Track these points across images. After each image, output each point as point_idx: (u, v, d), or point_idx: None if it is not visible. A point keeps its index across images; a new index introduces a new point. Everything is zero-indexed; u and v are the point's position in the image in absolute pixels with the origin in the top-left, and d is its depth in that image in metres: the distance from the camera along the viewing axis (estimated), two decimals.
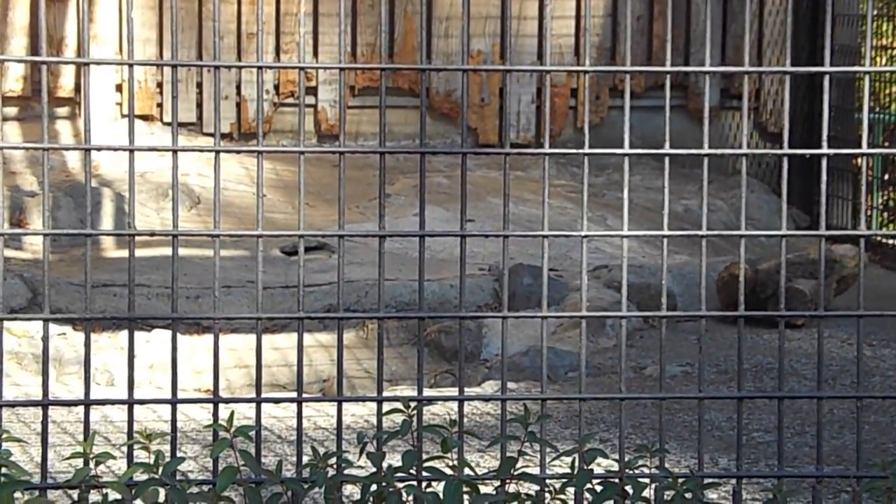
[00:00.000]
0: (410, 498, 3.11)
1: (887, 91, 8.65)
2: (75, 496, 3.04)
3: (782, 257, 3.44)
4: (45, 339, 3.23)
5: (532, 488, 3.25)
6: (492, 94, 8.90)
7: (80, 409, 3.28)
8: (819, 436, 3.46)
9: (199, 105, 8.65)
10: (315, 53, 8.72)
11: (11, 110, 8.29)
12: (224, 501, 3.05)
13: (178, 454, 3.21)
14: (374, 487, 3.12)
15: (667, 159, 3.40)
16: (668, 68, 3.38)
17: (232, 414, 3.10)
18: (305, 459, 3.24)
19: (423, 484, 3.16)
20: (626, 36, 3.41)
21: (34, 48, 8.25)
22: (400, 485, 3.11)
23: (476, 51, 8.83)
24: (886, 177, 8.47)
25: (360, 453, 3.17)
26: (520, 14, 8.76)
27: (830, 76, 3.47)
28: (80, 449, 3.09)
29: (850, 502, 3.29)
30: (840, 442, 4.43)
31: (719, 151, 3.45)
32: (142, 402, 3.32)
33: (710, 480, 3.28)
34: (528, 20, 8.78)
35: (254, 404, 3.33)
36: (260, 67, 3.29)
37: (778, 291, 3.48)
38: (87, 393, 3.25)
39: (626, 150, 3.38)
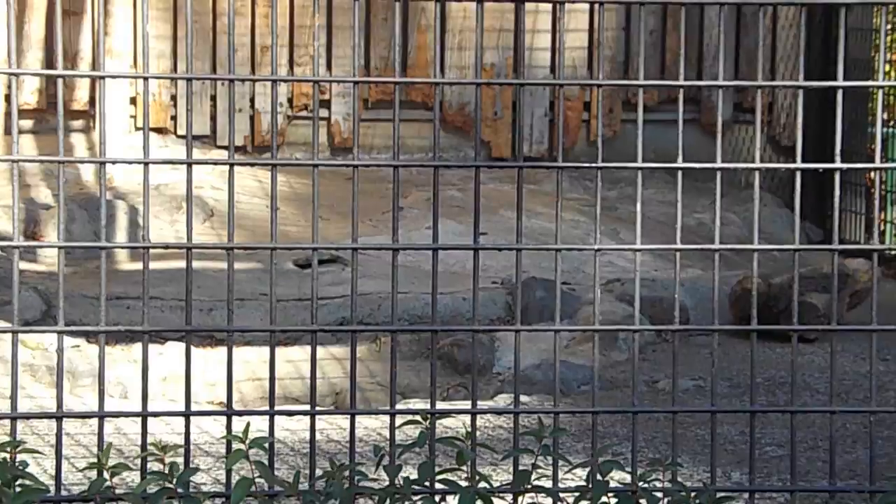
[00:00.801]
0: None
1: None
2: None
3: (795, 271, 3.44)
4: (60, 351, 3.24)
5: (547, 501, 3.25)
6: (505, 108, 8.91)
7: (94, 421, 3.29)
8: (832, 450, 3.46)
9: (213, 118, 8.67)
10: (329, 66, 8.75)
11: (27, 123, 8.33)
12: None
13: (192, 466, 3.21)
14: (389, 500, 3.12)
15: (680, 173, 3.41)
16: (681, 82, 3.39)
17: (248, 426, 3.11)
18: (318, 472, 3.25)
19: (438, 497, 3.17)
20: (640, 50, 3.42)
21: (50, 62, 8.28)
22: (415, 497, 3.11)
23: (489, 64, 8.84)
24: None
25: (377, 465, 3.18)
26: (533, 27, 8.77)
27: (844, 90, 3.48)
28: (94, 461, 3.11)
29: None
30: (853, 457, 4.42)
31: (732, 165, 3.46)
32: (155, 414, 3.33)
33: (723, 494, 3.28)
34: (540, 33, 8.79)
35: (267, 417, 3.33)
36: (274, 81, 3.31)
37: (791, 306, 3.48)
38: (101, 405, 3.26)
39: (640, 163, 3.39)
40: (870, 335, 3.44)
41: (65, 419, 3.26)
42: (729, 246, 3.47)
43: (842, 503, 3.79)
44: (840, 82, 3.46)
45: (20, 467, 2.94)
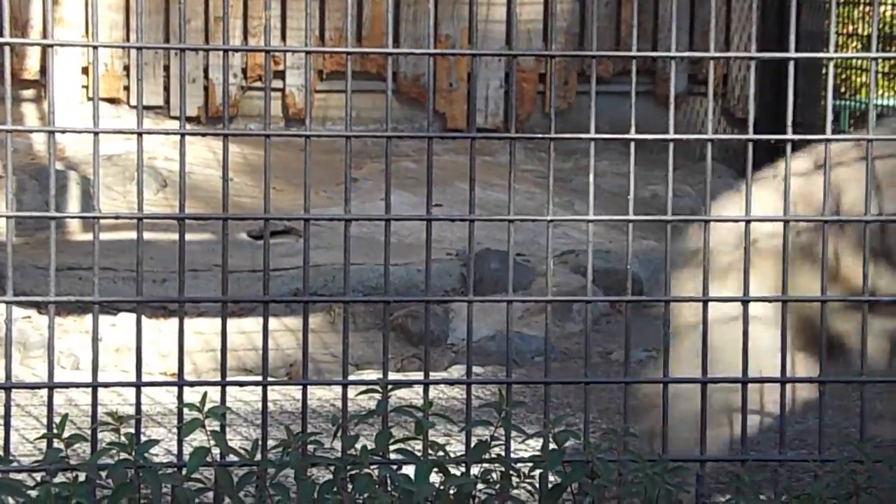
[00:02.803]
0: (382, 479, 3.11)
1: (856, 78, 8.68)
2: (39, 478, 3.03)
3: (746, 242, 3.45)
4: (9, 321, 3.21)
5: (502, 470, 3.26)
6: (460, 79, 8.89)
7: (45, 392, 3.27)
8: (782, 420, 3.48)
9: (167, 88, 8.62)
10: (283, 38, 8.70)
11: None
12: (193, 482, 3.05)
13: (143, 437, 3.20)
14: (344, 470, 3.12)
15: (632, 144, 3.41)
16: (633, 53, 3.39)
17: (205, 395, 3.10)
18: (271, 443, 3.24)
19: (395, 466, 3.17)
20: (593, 20, 3.42)
21: None
22: (371, 466, 3.11)
23: (444, 35, 8.82)
24: None
25: (334, 436, 3.18)
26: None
27: (796, 62, 3.49)
28: (45, 432, 3.09)
29: (813, 485, 3.31)
30: (804, 426, 4.45)
31: (685, 137, 3.46)
32: (106, 384, 3.31)
33: (676, 464, 3.30)
34: (496, 6, 8.78)
35: (219, 388, 3.32)
36: (226, 50, 3.29)
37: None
38: (50, 375, 3.24)
39: (592, 134, 3.39)
40: (821, 305, 3.46)
41: (14, 390, 3.24)
42: (680, 217, 3.48)
43: (792, 472, 3.82)
44: (792, 54, 3.46)
45: None
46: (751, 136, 3.47)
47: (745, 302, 3.42)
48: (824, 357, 3.44)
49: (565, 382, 4.04)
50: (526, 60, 8.81)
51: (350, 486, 3.08)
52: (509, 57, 3.35)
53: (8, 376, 3.22)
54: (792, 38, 3.46)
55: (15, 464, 3.14)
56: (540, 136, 3.41)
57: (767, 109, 8.50)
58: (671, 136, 3.42)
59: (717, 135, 3.47)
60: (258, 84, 8.80)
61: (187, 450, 3.19)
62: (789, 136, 3.44)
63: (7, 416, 3.19)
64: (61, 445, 3.03)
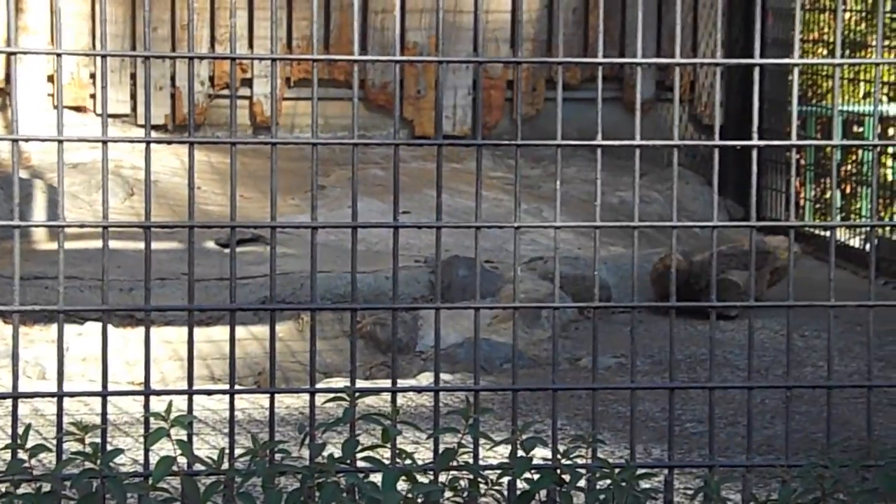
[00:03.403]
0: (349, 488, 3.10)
1: (823, 84, 8.71)
2: (3, 489, 3.01)
3: (713, 248, 3.46)
4: None
5: (470, 478, 3.25)
6: (428, 87, 8.89)
7: (10, 402, 3.25)
8: (749, 426, 3.49)
9: (134, 97, 8.59)
10: (251, 45, 8.68)
11: None
12: (159, 492, 3.04)
13: (109, 447, 3.19)
14: (312, 478, 3.11)
15: (599, 150, 3.41)
16: (600, 59, 3.39)
17: (170, 404, 3.08)
18: (239, 451, 3.23)
19: (362, 475, 3.16)
20: (559, 27, 3.42)
21: None
22: (339, 475, 3.11)
23: (412, 43, 8.82)
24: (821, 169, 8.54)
25: (301, 443, 3.17)
26: (455, 7, 8.77)
27: (762, 68, 3.50)
28: (9, 442, 3.07)
29: (781, 490, 3.32)
30: (772, 431, 4.46)
31: (651, 143, 3.47)
32: (71, 394, 3.30)
33: (644, 471, 3.30)
34: (464, 13, 8.79)
35: (186, 396, 3.31)
36: (191, 58, 3.28)
37: (711, 283, 3.50)
38: (14, 385, 3.22)
39: (559, 141, 3.39)
40: (787, 311, 3.47)
41: None
42: (647, 223, 3.49)
43: (760, 477, 3.83)
44: (757, 60, 3.48)
45: None
46: (717, 142, 3.48)
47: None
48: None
49: (533, 389, 4.03)
50: (494, 68, 8.82)
51: (317, 495, 3.07)
52: (476, 64, 3.35)
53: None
54: (757, 44, 3.47)
55: None
56: (507, 142, 3.41)
57: (734, 115, 8.53)
58: (638, 142, 3.43)
59: (684, 141, 3.47)
60: (226, 92, 8.78)
61: (154, 459, 3.18)
62: (756, 142, 3.46)
63: None
64: (25, 456, 3.01)
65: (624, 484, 3.17)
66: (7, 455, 3.09)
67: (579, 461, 3.26)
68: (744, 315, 6.06)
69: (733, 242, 6.56)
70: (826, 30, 8.23)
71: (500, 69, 8.89)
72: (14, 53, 3.22)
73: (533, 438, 3.24)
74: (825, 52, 8.18)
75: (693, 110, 9.13)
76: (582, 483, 3.24)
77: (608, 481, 3.20)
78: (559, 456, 3.24)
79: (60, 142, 3.23)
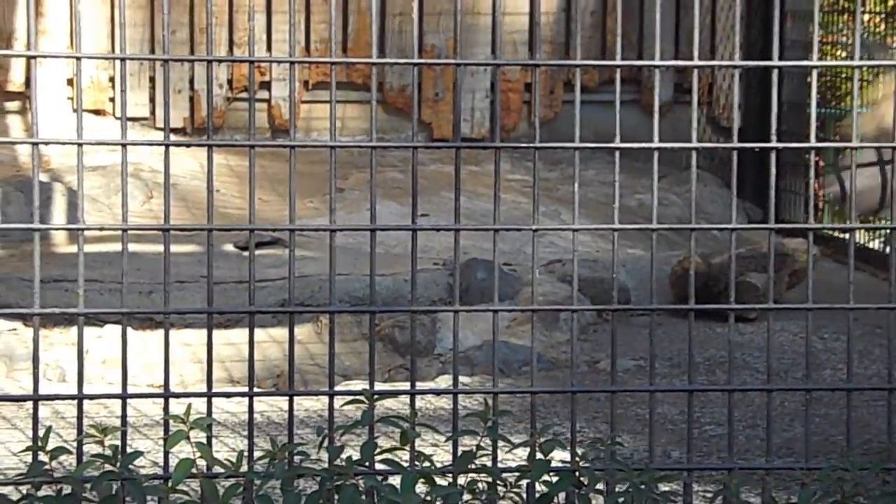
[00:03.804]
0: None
1: (842, 86, 8.69)
2: (24, 491, 3.02)
3: (732, 250, 3.46)
4: None
5: (489, 480, 3.25)
6: (446, 90, 8.90)
7: (31, 404, 3.26)
8: (769, 428, 3.49)
9: (153, 100, 8.61)
10: (269, 49, 8.70)
11: None
12: (179, 494, 3.04)
13: (129, 449, 3.19)
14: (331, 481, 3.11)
15: (617, 153, 3.41)
16: (618, 62, 3.39)
17: (189, 407, 3.09)
18: (258, 453, 3.23)
19: (380, 477, 3.16)
20: (578, 29, 3.42)
21: None
22: (357, 477, 3.11)
23: (430, 46, 8.83)
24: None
25: (319, 446, 3.17)
26: (473, 9, 8.77)
27: (781, 71, 3.49)
28: (30, 444, 3.08)
29: (800, 493, 3.31)
30: (791, 434, 4.46)
31: (669, 145, 3.47)
32: (91, 396, 3.31)
33: (663, 473, 3.29)
34: (482, 16, 8.79)
35: (205, 399, 3.32)
36: (210, 61, 3.28)
37: (730, 285, 3.50)
38: (35, 388, 3.23)
39: (577, 143, 3.39)
40: (806, 314, 3.47)
41: (0, 403, 3.23)
42: (666, 225, 3.48)
43: (779, 480, 3.82)
44: (776, 62, 3.47)
45: None
46: (736, 144, 3.48)
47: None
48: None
49: (552, 392, 4.03)
50: (512, 70, 8.82)
51: (336, 497, 3.07)
52: (494, 67, 3.35)
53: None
54: (776, 46, 3.47)
55: (0, 476, 3.12)
56: (525, 145, 3.41)
57: (753, 118, 8.52)
58: (656, 144, 3.42)
59: (702, 143, 3.47)
60: (244, 95, 8.79)
61: (173, 461, 3.18)
62: (774, 144, 3.45)
63: None
64: (46, 458, 3.02)
65: (643, 487, 3.17)
66: (28, 457, 3.10)
67: (598, 464, 3.26)
68: (763, 317, 6.04)
69: (752, 245, 6.55)
70: (845, 31, 8.21)
71: (517, 72, 8.88)
72: (34, 57, 3.24)
73: (551, 441, 3.23)
74: (844, 54, 8.16)
75: (711, 113, 9.12)
76: (600, 486, 3.23)
77: (627, 484, 3.19)
78: (578, 458, 3.24)
79: (80, 145, 3.25)
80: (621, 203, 3.47)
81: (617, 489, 3.24)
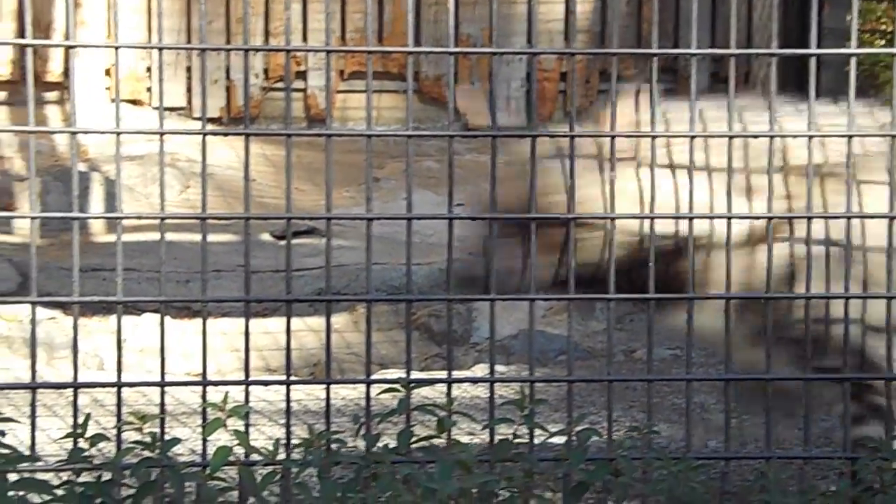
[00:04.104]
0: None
1: (881, 74, 8.63)
2: (65, 477, 3.04)
3: (769, 240, 3.44)
4: (33, 321, 3.23)
5: (525, 469, 3.26)
6: (482, 79, 8.90)
7: (71, 392, 3.29)
8: (807, 418, 3.48)
9: (190, 89, 8.64)
10: (305, 38, 8.72)
11: (0, 94, 8.29)
12: (217, 481, 3.06)
13: (167, 436, 3.21)
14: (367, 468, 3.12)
15: (652, 141, 3.41)
16: (654, 51, 3.39)
17: (226, 395, 3.10)
18: (295, 441, 3.25)
19: (417, 465, 3.17)
20: (614, 18, 3.42)
21: (21, 32, 8.24)
22: (394, 465, 3.12)
23: (466, 35, 8.83)
24: None
25: (357, 434, 3.18)
26: None
27: (818, 59, 3.48)
28: (69, 431, 3.10)
29: (840, 483, 3.30)
30: (829, 424, 4.44)
31: (706, 134, 3.46)
32: (130, 384, 3.33)
33: (700, 462, 3.29)
34: (518, 4, 8.78)
35: (243, 387, 3.33)
36: (246, 50, 3.29)
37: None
38: (75, 376, 3.26)
39: (613, 132, 3.39)
40: (844, 302, 3.45)
41: (40, 390, 3.26)
42: (702, 214, 3.47)
43: (817, 470, 3.81)
44: (813, 50, 3.46)
45: None
46: (772, 132, 3.46)
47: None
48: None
49: (588, 380, 4.03)
50: (547, 59, 8.81)
51: (373, 485, 3.08)
52: (530, 56, 3.35)
53: (33, 376, 3.24)
54: (814, 34, 3.45)
55: (41, 463, 3.15)
56: (561, 133, 3.41)
57: None
58: (693, 133, 3.42)
59: (738, 133, 3.45)
60: (280, 85, 8.82)
61: (211, 449, 3.20)
62: (811, 132, 3.44)
63: (33, 415, 3.21)
64: (86, 445, 3.04)
65: (680, 475, 3.16)
66: (68, 444, 3.13)
67: (635, 452, 3.26)
68: None
69: None
70: (884, 19, 8.16)
71: (553, 61, 8.87)
72: (73, 47, 3.25)
73: (588, 429, 3.23)
74: (882, 42, 8.11)
75: None
76: (637, 474, 3.23)
77: (664, 472, 3.19)
78: (615, 447, 3.24)
79: (118, 134, 3.26)
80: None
81: (654, 477, 3.24)
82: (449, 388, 3.35)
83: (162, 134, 3.28)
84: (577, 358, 5.17)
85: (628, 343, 5.73)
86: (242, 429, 3.17)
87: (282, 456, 3.20)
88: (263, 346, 5.85)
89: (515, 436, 3.25)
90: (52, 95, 8.53)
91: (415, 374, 3.81)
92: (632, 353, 5.64)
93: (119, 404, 3.25)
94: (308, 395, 4.77)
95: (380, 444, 3.16)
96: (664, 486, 3.18)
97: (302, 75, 8.79)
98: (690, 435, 3.46)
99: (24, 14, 3.17)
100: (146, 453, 3.02)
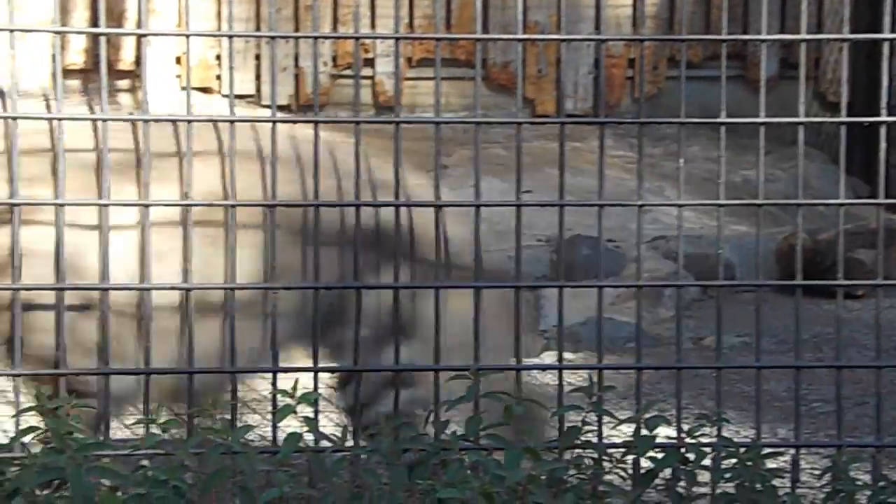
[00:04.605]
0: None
1: None
2: (138, 463, 3.07)
3: (840, 226, 3.42)
4: (104, 310, 3.26)
5: (594, 456, 3.25)
6: (549, 65, 8.87)
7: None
8: (879, 406, 3.45)
9: (258, 77, 8.68)
10: (372, 25, 8.73)
11: (73, 83, 8.37)
12: (287, 467, 3.08)
13: (238, 423, 3.24)
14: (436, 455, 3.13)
15: (723, 129, 3.39)
16: (724, 37, 3.37)
17: (296, 382, 3.12)
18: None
19: (485, 452, 3.18)
20: (683, 5, 3.40)
21: (95, 22, 8.31)
22: (462, 452, 3.12)
23: (533, 21, 8.80)
24: None
25: (425, 421, 3.19)
26: None
27: (892, 43, 3.44)
28: (141, 417, 3.13)
29: None
30: None
31: (775, 120, 3.44)
32: (201, 371, 3.35)
33: (770, 450, 3.27)
34: None
35: (312, 374, 3.35)
36: (316, 38, 3.31)
37: (838, 262, 3.46)
38: (147, 361, 3.29)
39: (682, 119, 3.37)
40: None
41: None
42: (772, 201, 3.45)
43: (890, 458, 3.78)
44: (886, 34, 3.42)
45: (73, 422, 2.98)
46: (844, 119, 3.43)
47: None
48: None
49: (657, 368, 4.02)
50: (615, 46, 8.77)
51: (442, 472, 3.09)
52: (598, 42, 3.34)
53: (106, 362, 3.27)
54: (887, 19, 3.42)
55: (113, 448, 3.18)
56: (630, 120, 3.40)
57: (861, 92, 8.39)
58: (763, 119, 3.40)
59: (809, 118, 3.43)
60: (348, 72, 8.83)
61: (280, 436, 3.22)
62: (883, 118, 3.40)
63: (106, 401, 3.25)
64: (158, 430, 3.07)
65: (750, 463, 3.15)
66: (140, 429, 3.16)
67: (704, 440, 3.24)
68: (870, 294, 5.97)
69: (859, 221, 6.46)
70: None
71: (621, 47, 8.83)
72: (145, 35, 3.28)
73: (657, 417, 3.23)
74: None
75: (818, 88, 9.00)
76: (706, 462, 3.22)
77: (733, 460, 3.18)
78: (683, 434, 3.23)
79: (189, 122, 3.29)
80: (726, 179, 3.44)
81: (723, 465, 3.23)
82: (518, 376, 3.35)
83: (233, 122, 3.30)
84: (644, 345, 5.15)
85: (696, 331, 5.70)
86: (312, 416, 3.19)
87: (350, 443, 3.21)
88: None
89: (584, 423, 3.25)
90: (123, 83, 8.59)
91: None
92: (700, 340, 5.62)
93: (190, 391, 3.28)
94: None
95: (448, 431, 3.17)
96: (734, 475, 3.16)
97: (369, 62, 8.80)
98: (760, 423, 3.44)
99: (97, 3, 3.20)
100: (218, 439, 3.04)
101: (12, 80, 3.19)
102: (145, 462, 3.05)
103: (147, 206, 3.30)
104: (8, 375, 3.25)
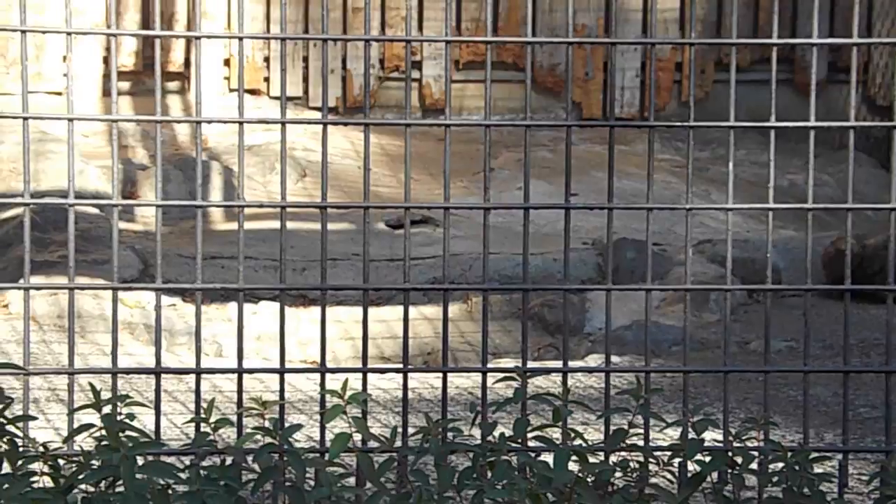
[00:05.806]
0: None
1: None
2: (188, 461, 3.10)
3: (891, 231, 3.41)
4: (158, 307, 3.29)
5: (639, 459, 3.26)
6: (596, 69, 8.87)
7: (190, 378, 3.35)
8: None
9: (305, 79, 8.73)
10: (420, 28, 8.76)
11: (124, 85, 8.44)
12: (336, 467, 3.10)
13: (286, 423, 3.26)
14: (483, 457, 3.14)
15: (772, 132, 3.39)
16: (774, 41, 3.36)
17: (345, 382, 3.14)
18: (411, 430, 3.28)
19: (533, 454, 3.19)
20: (733, 8, 3.40)
21: (147, 24, 8.37)
22: (510, 454, 3.13)
23: (580, 24, 8.81)
24: None
25: (472, 423, 3.20)
26: None
27: None
28: (191, 416, 3.16)
29: None
30: None
31: (825, 124, 3.43)
32: (251, 370, 3.38)
33: (817, 454, 3.27)
34: None
35: (360, 375, 3.37)
36: (367, 40, 3.33)
37: (886, 267, 3.45)
38: (198, 361, 3.32)
39: (732, 122, 3.37)
40: None
41: (162, 376, 3.32)
42: (821, 205, 3.45)
43: None
44: None
45: (127, 420, 3.00)
46: (894, 123, 3.42)
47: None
48: None
49: (704, 371, 4.01)
50: (662, 49, 8.77)
51: (489, 473, 3.11)
52: (646, 45, 3.34)
53: (158, 361, 3.30)
54: None
55: (165, 447, 3.21)
56: (679, 124, 3.40)
57: None
58: (812, 123, 3.39)
59: (859, 122, 3.42)
60: (395, 74, 8.87)
61: (328, 436, 3.25)
62: None
63: (157, 399, 3.28)
64: (209, 430, 3.10)
65: (797, 467, 3.15)
66: (190, 428, 3.18)
67: (751, 444, 3.24)
68: None
69: None
70: None
71: (668, 51, 8.83)
72: (198, 37, 3.31)
73: (704, 420, 3.23)
74: None
75: (867, 91, 8.96)
76: (754, 466, 3.22)
77: (781, 464, 3.17)
78: (731, 438, 3.23)
79: (241, 123, 3.32)
80: (773, 183, 3.44)
81: (770, 469, 3.22)
82: (565, 378, 3.36)
83: (284, 123, 3.33)
84: (690, 349, 5.15)
85: (742, 335, 5.68)
86: (360, 416, 3.21)
87: (398, 443, 3.23)
88: (377, 334, 5.90)
89: (631, 425, 3.26)
90: (173, 85, 8.67)
91: (529, 364, 3.83)
92: (746, 344, 5.60)
93: (240, 390, 3.31)
94: (422, 384, 4.80)
95: (496, 433, 3.18)
96: (781, 478, 3.16)
97: (417, 65, 8.83)
98: (808, 427, 3.43)
99: (150, 5, 3.23)
100: (268, 439, 3.07)
101: (69, 82, 3.23)
102: (196, 461, 3.08)
103: (201, 206, 3.33)
104: (62, 373, 3.29)
